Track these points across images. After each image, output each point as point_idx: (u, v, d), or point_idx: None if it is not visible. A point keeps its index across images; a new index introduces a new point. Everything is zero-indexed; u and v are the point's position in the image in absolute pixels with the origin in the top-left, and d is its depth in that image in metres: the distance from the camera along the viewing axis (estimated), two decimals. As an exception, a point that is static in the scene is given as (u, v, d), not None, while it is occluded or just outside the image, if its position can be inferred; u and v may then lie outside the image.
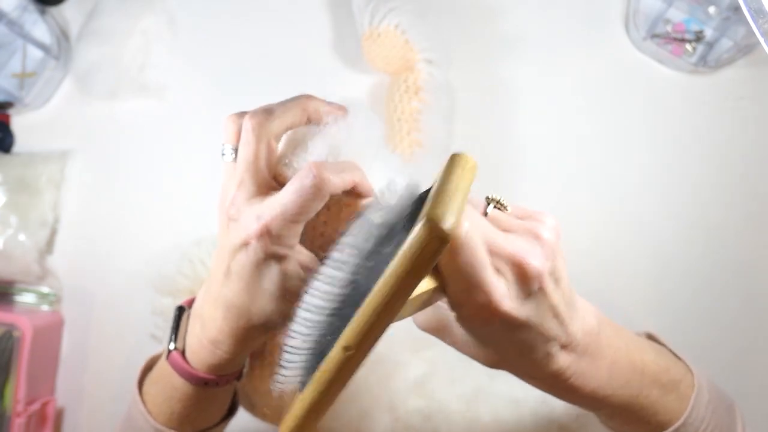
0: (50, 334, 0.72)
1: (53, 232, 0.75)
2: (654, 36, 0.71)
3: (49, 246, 0.75)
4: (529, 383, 0.39)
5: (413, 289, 0.29)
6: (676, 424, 0.41)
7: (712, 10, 0.70)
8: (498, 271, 0.32)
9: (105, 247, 0.75)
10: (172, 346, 0.44)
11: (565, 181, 0.71)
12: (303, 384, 0.32)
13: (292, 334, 0.32)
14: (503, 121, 0.73)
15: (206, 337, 0.41)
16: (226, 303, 0.39)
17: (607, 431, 0.46)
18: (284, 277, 0.37)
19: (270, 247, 0.36)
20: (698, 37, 0.71)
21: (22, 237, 0.73)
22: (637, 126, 0.72)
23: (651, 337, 0.47)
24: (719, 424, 0.42)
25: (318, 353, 0.32)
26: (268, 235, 0.36)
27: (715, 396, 0.43)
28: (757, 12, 0.59)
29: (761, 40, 0.58)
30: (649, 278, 0.69)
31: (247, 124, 0.38)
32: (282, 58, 0.76)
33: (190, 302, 0.45)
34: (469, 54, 0.73)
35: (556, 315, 0.34)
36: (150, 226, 0.75)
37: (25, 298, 0.74)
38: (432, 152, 0.65)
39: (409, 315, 0.33)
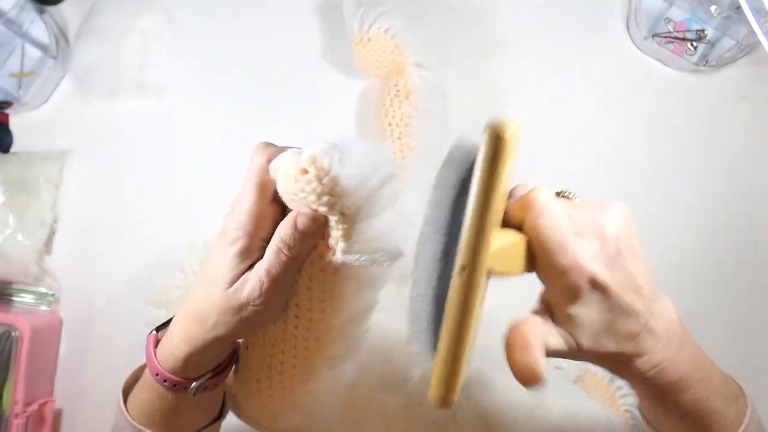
0: (48, 334, 0.72)
1: (52, 232, 0.75)
2: (655, 35, 0.71)
3: (47, 246, 0.75)
4: (619, 374, 0.38)
5: (500, 185, 0.32)
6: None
7: (713, 9, 0.70)
8: (578, 233, 0.33)
9: (103, 247, 0.75)
10: (155, 331, 0.44)
11: (565, 182, 0.71)
12: (434, 335, 0.34)
13: (414, 293, 0.35)
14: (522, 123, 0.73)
15: (170, 334, 0.42)
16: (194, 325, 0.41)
17: None
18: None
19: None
20: (700, 37, 0.71)
21: (20, 237, 0.73)
22: (638, 125, 0.72)
23: None
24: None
25: (440, 301, 0.34)
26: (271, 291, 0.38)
27: (759, 423, 0.43)
28: (759, 11, 0.59)
29: (762, 39, 0.58)
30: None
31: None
32: (277, 61, 0.76)
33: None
34: (461, 56, 0.73)
35: (637, 289, 0.34)
36: (149, 226, 0.74)
37: (24, 299, 0.74)
38: (424, 156, 0.65)
39: (507, 272, 0.34)
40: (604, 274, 0.33)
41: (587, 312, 0.34)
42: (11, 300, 0.74)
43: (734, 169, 0.71)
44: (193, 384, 0.43)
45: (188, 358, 0.41)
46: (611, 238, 0.34)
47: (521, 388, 0.34)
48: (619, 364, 0.37)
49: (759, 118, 0.71)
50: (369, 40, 0.65)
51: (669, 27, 0.71)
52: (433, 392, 0.33)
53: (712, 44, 0.71)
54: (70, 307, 0.74)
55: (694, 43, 0.71)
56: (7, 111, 0.77)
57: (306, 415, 0.47)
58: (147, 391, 0.44)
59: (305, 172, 0.35)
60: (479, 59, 0.74)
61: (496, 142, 0.32)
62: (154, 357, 0.43)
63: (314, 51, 0.75)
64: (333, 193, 0.36)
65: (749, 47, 0.69)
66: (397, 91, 0.65)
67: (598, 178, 0.71)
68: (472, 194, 0.32)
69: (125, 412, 0.46)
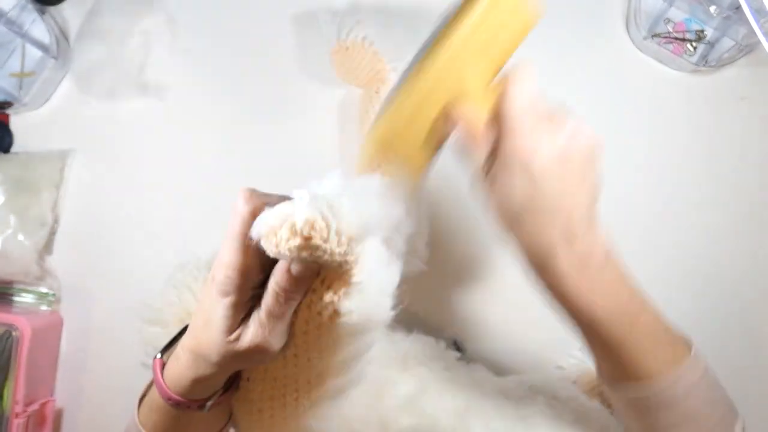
0: (49, 334, 0.72)
1: (52, 233, 0.75)
2: (655, 35, 0.71)
3: (48, 246, 0.75)
4: (525, 263, 0.41)
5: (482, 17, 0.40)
6: (663, 378, 0.40)
7: (713, 9, 0.70)
8: (540, 119, 0.38)
9: (104, 247, 0.75)
10: (159, 354, 0.44)
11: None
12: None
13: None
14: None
15: (178, 353, 0.42)
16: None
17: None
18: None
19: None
20: (699, 37, 0.71)
21: (21, 237, 0.73)
22: (638, 125, 0.72)
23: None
24: (713, 406, 0.42)
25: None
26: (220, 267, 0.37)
27: (715, 383, 0.43)
28: (758, 11, 0.59)
29: (762, 39, 0.58)
30: (650, 278, 0.69)
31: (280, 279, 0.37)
32: (276, 61, 0.76)
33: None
34: None
35: (581, 192, 0.38)
36: (149, 225, 0.74)
37: (24, 299, 0.74)
38: None
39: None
40: (551, 162, 0.37)
41: (521, 192, 0.38)
42: (12, 300, 0.74)
43: (734, 169, 0.71)
44: (207, 403, 0.43)
45: (196, 382, 0.41)
46: (575, 145, 0.39)
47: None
48: (533, 257, 0.40)
49: (758, 118, 0.72)
50: (347, 48, 0.66)
51: (668, 27, 0.72)
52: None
53: (711, 44, 0.71)
54: (71, 307, 0.74)
55: (694, 44, 0.71)
56: (8, 111, 0.77)
57: None
58: (158, 412, 0.44)
59: (295, 236, 0.33)
60: None
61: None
62: (163, 383, 0.43)
63: (313, 53, 0.75)
64: (332, 251, 0.34)
65: (749, 47, 0.69)
66: (378, 98, 0.66)
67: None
68: (452, 17, 0.39)
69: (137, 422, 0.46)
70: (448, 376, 0.59)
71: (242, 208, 0.37)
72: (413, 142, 0.41)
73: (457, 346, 0.69)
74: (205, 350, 0.39)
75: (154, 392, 0.45)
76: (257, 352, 0.38)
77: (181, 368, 0.41)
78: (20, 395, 0.66)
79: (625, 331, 0.40)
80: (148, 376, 0.66)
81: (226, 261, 0.37)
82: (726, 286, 0.70)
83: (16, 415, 0.66)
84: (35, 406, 0.67)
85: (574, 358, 0.69)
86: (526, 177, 0.37)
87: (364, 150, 0.41)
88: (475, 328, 0.71)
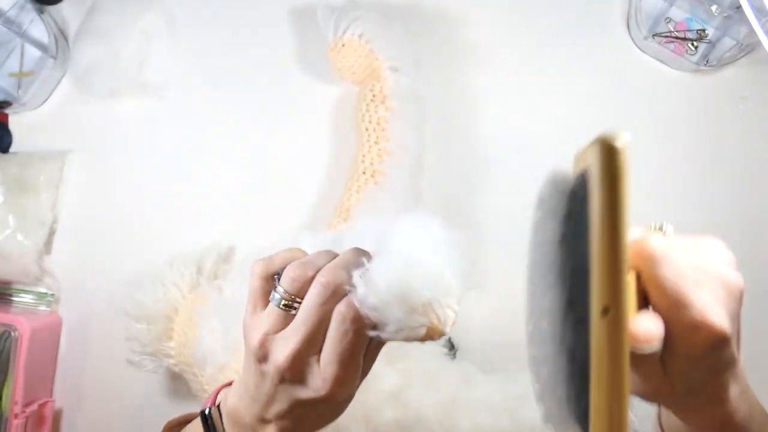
0: (48, 334, 0.72)
1: (51, 232, 0.75)
2: (656, 35, 0.71)
3: (47, 246, 0.74)
4: (684, 418, 0.37)
5: (627, 206, 0.28)
6: None
7: (714, 8, 0.70)
8: (699, 282, 0.31)
9: (103, 247, 0.75)
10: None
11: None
12: (576, 401, 0.29)
13: (535, 356, 0.31)
14: (498, 126, 0.73)
15: None
16: None
17: None
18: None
19: (342, 397, 0.37)
20: (700, 36, 0.71)
21: (20, 237, 0.73)
22: (638, 125, 0.72)
23: None
24: None
25: (571, 360, 0.29)
26: (338, 388, 0.36)
27: None
28: (760, 10, 0.58)
29: (763, 38, 0.58)
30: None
31: (343, 311, 0.35)
32: (274, 62, 0.76)
33: (213, 401, 0.43)
34: (438, 60, 0.73)
35: (737, 333, 0.33)
36: (149, 225, 0.74)
37: (23, 299, 0.74)
38: (400, 160, 0.65)
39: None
40: (729, 330, 0.31)
41: (697, 367, 0.32)
42: (11, 300, 0.74)
43: (735, 169, 0.71)
44: None
45: None
46: (736, 285, 0.33)
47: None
48: (690, 414, 0.36)
49: (759, 118, 0.71)
50: (344, 45, 0.66)
51: (669, 27, 0.71)
52: None
53: (712, 44, 0.71)
54: (70, 308, 0.74)
55: (695, 43, 0.71)
56: (7, 111, 0.77)
57: None
58: None
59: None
60: (453, 63, 0.74)
61: (612, 155, 0.29)
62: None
63: (311, 53, 0.75)
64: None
65: (750, 47, 0.69)
66: (374, 95, 0.66)
67: (599, 178, 0.71)
68: (597, 222, 0.28)
69: None
70: (434, 369, 0.58)
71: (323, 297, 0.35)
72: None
73: (451, 343, 0.69)
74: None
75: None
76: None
77: None
78: (19, 396, 0.66)
79: (750, 421, 0.38)
80: (139, 375, 0.66)
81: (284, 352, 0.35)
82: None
83: (15, 416, 0.66)
84: (34, 407, 0.67)
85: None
86: (714, 352, 0.32)
87: None
88: (463, 321, 0.70)
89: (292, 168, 0.74)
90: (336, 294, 0.35)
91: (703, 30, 0.71)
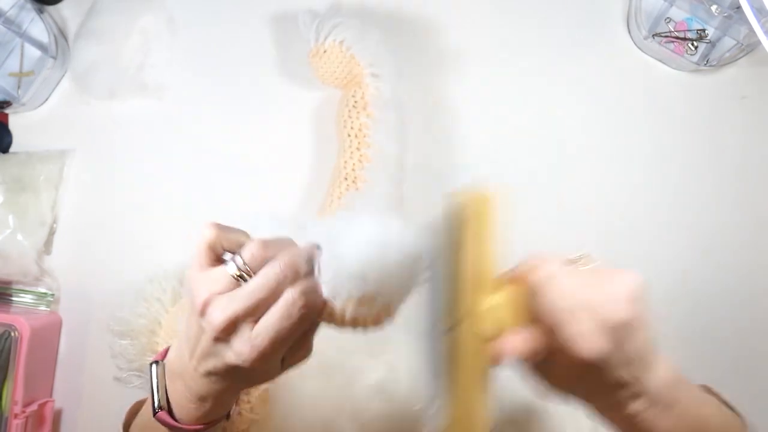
0: (48, 334, 0.72)
1: (51, 232, 0.75)
2: (656, 35, 0.70)
3: (47, 246, 0.74)
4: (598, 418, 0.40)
5: (483, 247, 0.34)
6: None
7: (714, 8, 0.70)
8: (580, 310, 0.34)
9: (103, 247, 0.75)
10: (156, 403, 0.44)
11: (566, 181, 0.71)
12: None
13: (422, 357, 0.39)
14: (492, 130, 0.73)
15: (192, 394, 0.42)
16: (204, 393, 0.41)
17: None
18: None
19: (262, 367, 0.38)
20: (700, 36, 0.71)
21: (20, 237, 0.73)
22: (638, 125, 0.72)
23: (708, 390, 0.47)
24: None
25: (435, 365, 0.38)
26: (261, 359, 0.37)
27: None
28: (759, 11, 0.58)
29: (763, 38, 0.58)
30: (650, 278, 0.69)
31: (295, 296, 0.37)
32: (267, 63, 0.76)
33: (163, 355, 0.45)
34: (420, 67, 0.73)
35: (630, 362, 0.35)
36: (148, 225, 0.74)
37: (23, 299, 0.74)
38: (380, 167, 0.65)
39: (500, 328, 0.35)
40: (596, 356, 0.34)
41: (580, 380, 0.36)
42: (11, 300, 0.74)
43: (735, 169, 0.71)
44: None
45: (206, 415, 0.43)
46: (616, 319, 0.34)
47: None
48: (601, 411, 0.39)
49: (759, 118, 0.71)
50: (325, 52, 0.66)
51: (669, 27, 0.71)
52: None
53: (712, 44, 0.70)
54: (70, 308, 0.74)
55: (695, 43, 0.71)
56: (7, 111, 0.77)
57: None
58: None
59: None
60: (435, 69, 0.74)
61: (479, 208, 0.35)
62: (172, 420, 0.43)
63: (296, 58, 0.75)
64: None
65: (750, 47, 0.69)
66: (355, 102, 0.66)
67: (599, 178, 0.71)
68: (455, 259, 0.34)
69: None
70: (418, 361, 0.59)
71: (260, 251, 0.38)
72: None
73: None
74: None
75: (148, 420, 0.44)
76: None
77: (195, 398, 0.42)
78: (19, 396, 0.66)
79: None
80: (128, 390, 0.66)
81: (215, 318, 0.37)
82: (726, 285, 0.70)
83: (15, 416, 0.66)
84: (34, 407, 0.67)
85: None
86: (588, 369, 0.35)
87: None
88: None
89: (275, 173, 0.74)
90: (290, 278, 0.37)
91: (703, 30, 0.71)
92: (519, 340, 0.35)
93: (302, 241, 0.39)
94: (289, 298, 0.37)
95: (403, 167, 0.67)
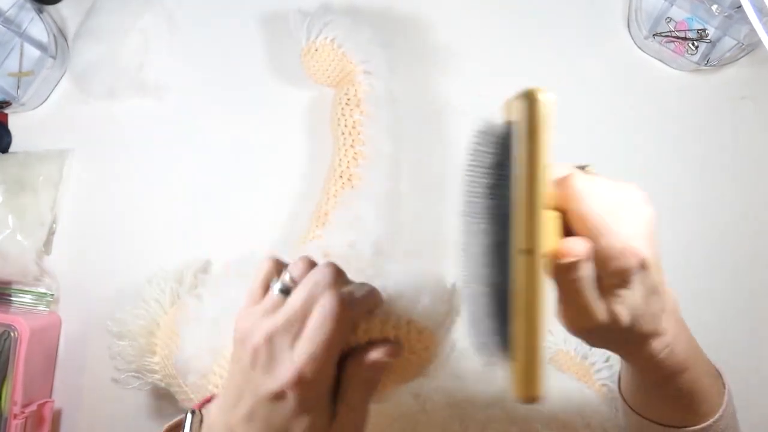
0: (47, 335, 0.72)
1: (51, 232, 0.75)
2: (656, 35, 0.70)
3: (46, 246, 0.74)
4: (632, 358, 0.40)
5: (546, 155, 0.31)
6: (716, 416, 0.42)
7: (714, 8, 0.70)
8: (620, 216, 0.34)
9: (103, 247, 0.74)
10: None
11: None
12: (502, 332, 0.32)
13: (469, 293, 0.34)
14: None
15: None
16: None
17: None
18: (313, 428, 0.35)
19: (306, 396, 0.34)
20: (701, 36, 0.71)
21: (19, 237, 0.73)
22: (639, 125, 0.72)
23: None
24: (733, 419, 0.44)
25: (501, 295, 0.32)
26: (302, 382, 0.33)
27: (732, 402, 0.44)
28: (760, 10, 0.58)
29: (764, 38, 0.57)
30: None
31: (331, 303, 0.34)
32: (271, 62, 0.76)
33: (202, 404, 0.41)
34: (411, 64, 0.73)
35: (660, 266, 0.36)
36: (148, 225, 0.74)
37: (23, 299, 0.74)
38: (375, 164, 0.65)
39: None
40: (649, 255, 0.34)
41: (632, 292, 0.35)
42: (10, 300, 0.74)
43: (735, 169, 0.71)
44: None
45: None
46: (650, 216, 0.35)
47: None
48: (639, 345, 0.37)
49: (760, 118, 0.71)
50: (316, 50, 0.66)
51: (670, 26, 0.71)
52: (519, 391, 0.31)
53: (713, 44, 0.70)
54: (69, 308, 0.74)
55: (695, 43, 0.71)
56: (6, 111, 0.77)
57: None
58: None
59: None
60: (425, 66, 0.74)
61: (534, 107, 0.31)
62: None
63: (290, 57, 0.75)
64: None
65: (750, 46, 0.69)
66: (348, 99, 0.66)
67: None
68: (520, 170, 0.31)
69: None
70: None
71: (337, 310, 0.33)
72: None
73: None
74: None
75: None
76: None
77: None
78: (18, 396, 0.66)
79: (697, 376, 0.41)
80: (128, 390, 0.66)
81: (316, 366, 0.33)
82: (726, 285, 0.69)
83: (15, 416, 0.65)
84: (33, 407, 0.67)
85: (551, 334, 0.68)
86: (640, 278, 0.35)
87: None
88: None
89: (273, 172, 0.74)
90: (325, 289, 0.34)
91: (704, 30, 0.71)
92: (578, 243, 0.33)
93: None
94: (320, 308, 0.33)
95: (398, 164, 0.67)
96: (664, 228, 0.69)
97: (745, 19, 0.62)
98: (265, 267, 0.37)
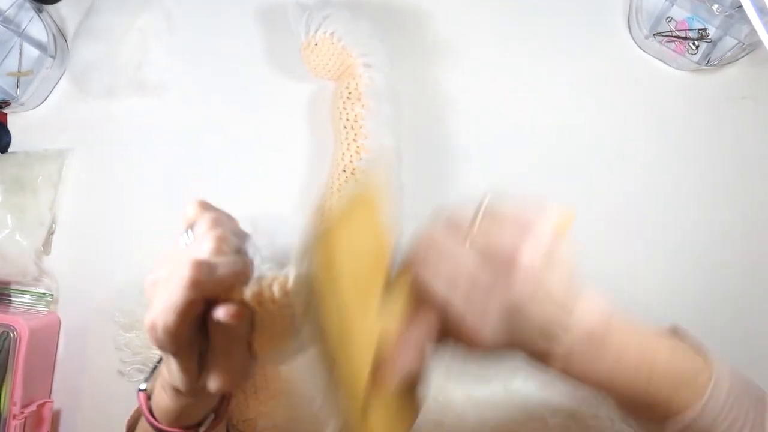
0: (47, 335, 0.71)
1: (50, 232, 0.75)
2: (657, 34, 0.70)
3: (45, 246, 0.74)
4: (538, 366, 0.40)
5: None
6: (688, 414, 0.41)
7: (715, 8, 0.69)
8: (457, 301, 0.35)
9: (103, 247, 0.74)
10: (143, 386, 0.44)
11: (564, 180, 0.71)
12: None
13: None
14: (495, 123, 0.73)
15: (161, 384, 0.42)
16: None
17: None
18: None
19: (161, 341, 0.37)
20: (701, 36, 0.70)
21: (18, 237, 0.72)
22: (639, 124, 0.72)
23: (676, 330, 0.47)
24: (742, 415, 0.42)
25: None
26: (154, 329, 0.36)
27: (739, 388, 0.43)
28: (761, 10, 0.58)
29: (764, 38, 0.57)
30: (650, 279, 0.69)
31: (187, 274, 0.36)
32: (267, 58, 0.76)
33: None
34: (411, 58, 0.73)
35: (551, 297, 0.35)
36: (148, 225, 0.74)
37: (22, 299, 0.74)
38: (379, 157, 0.65)
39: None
40: (492, 344, 0.35)
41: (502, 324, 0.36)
42: (9, 300, 0.74)
43: (736, 168, 0.71)
44: (200, 429, 0.44)
45: (182, 413, 0.42)
46: (519, 265, 0.35)
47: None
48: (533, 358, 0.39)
49: (761, 118, 0.71)
50: (316, 44, 0.66)
51: (670, 26, 0.71)
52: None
53: (714, 43, 0.70)
54: (69, 308, 0.74)
55: (696, 42, 0.70)
56: (5, 110, 0.77)
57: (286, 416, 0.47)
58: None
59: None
60: (426, 60, 0.74)
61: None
62: (151, 417, 0.43)
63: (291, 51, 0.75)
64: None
65: (751, 46, 0.68)
66: (349, 93, 0.66)
67: (600, 178, 0.71)
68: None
69: None
70: None
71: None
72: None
73: None
74: (180, 388, 0.39)
75: (144, 422, 0.45)
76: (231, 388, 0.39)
77: (165, 401, 0.41)
78: (17, 396, 0.66)
79: (645, 383, 0.40)
80: (128, 384, 0.66)
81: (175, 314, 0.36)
82: (726, 286, 0.69)
83: (14, 417, 0.65)
84: (32, 408, 0.67)
85: None
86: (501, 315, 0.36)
87: None
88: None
89: (274, 167, 0.74)
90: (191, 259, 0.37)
91: (705, 29, 0.71)
92: (405, 357, 0.35)
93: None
94: (185, 273, 0.35)
95: (400, 157, 0.67)
96: (664, 228, 0.69)
97: (746, 19, 0.61)
98: (191, 213, 0.41)
